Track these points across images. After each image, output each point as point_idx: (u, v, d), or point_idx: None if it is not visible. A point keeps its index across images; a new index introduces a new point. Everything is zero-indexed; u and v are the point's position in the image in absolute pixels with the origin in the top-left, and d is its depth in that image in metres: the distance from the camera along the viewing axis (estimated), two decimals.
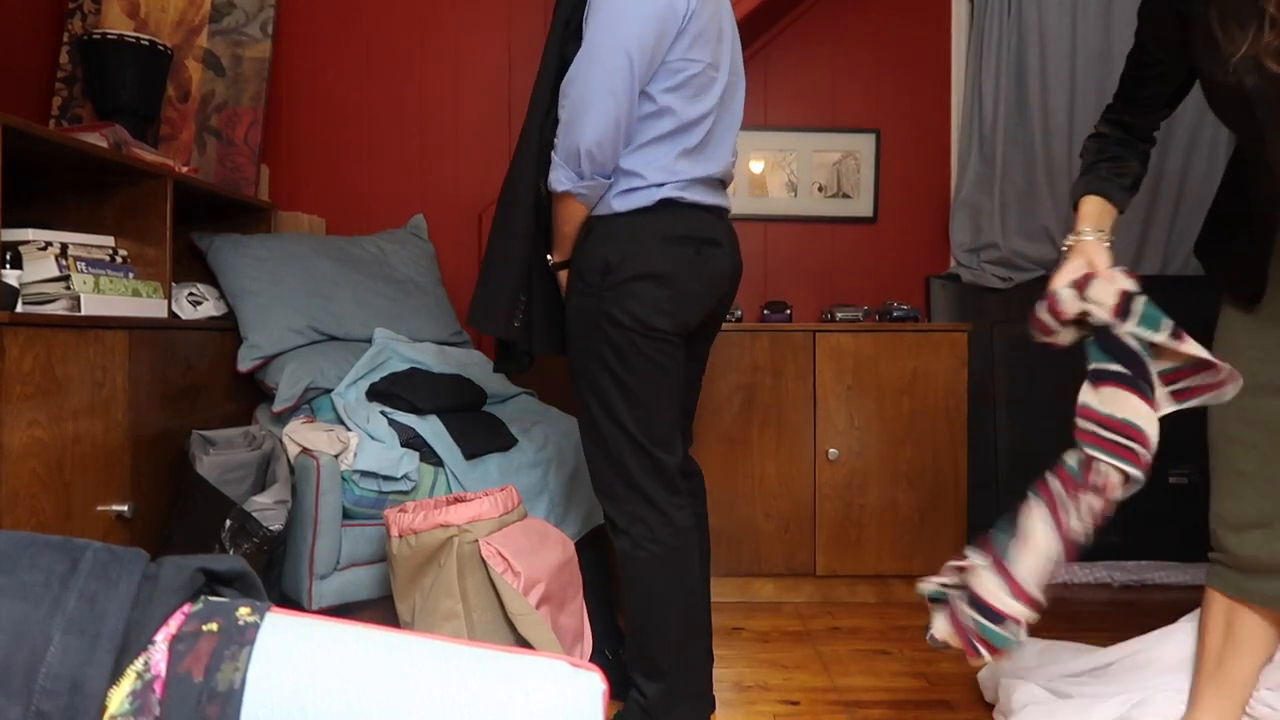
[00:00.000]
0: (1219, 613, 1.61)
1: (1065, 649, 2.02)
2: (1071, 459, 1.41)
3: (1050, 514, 1.39)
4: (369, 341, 2.44)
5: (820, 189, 3.41)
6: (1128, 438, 1.35)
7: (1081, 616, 2.77)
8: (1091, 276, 1.44)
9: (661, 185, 1.73)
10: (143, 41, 2.37)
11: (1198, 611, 1.74)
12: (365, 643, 0.66)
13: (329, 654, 0.65)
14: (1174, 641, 1.80)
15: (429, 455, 2.16)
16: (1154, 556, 3.18)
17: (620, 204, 1.73)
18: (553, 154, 1.72)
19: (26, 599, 0.61)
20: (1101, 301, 1.41)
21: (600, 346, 1.72)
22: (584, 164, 1.67)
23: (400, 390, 2.25)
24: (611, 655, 2.22)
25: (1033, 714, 1.83)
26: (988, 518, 3.34)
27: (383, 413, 2.20)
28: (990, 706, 2.07)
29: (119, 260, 1.93)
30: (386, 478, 2.07)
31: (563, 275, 1.83)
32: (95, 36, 2.35)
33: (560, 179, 1.70)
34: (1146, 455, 1.36)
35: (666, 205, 1.74)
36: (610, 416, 1.73)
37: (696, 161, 1.77)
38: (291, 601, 2.00)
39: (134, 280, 1.93)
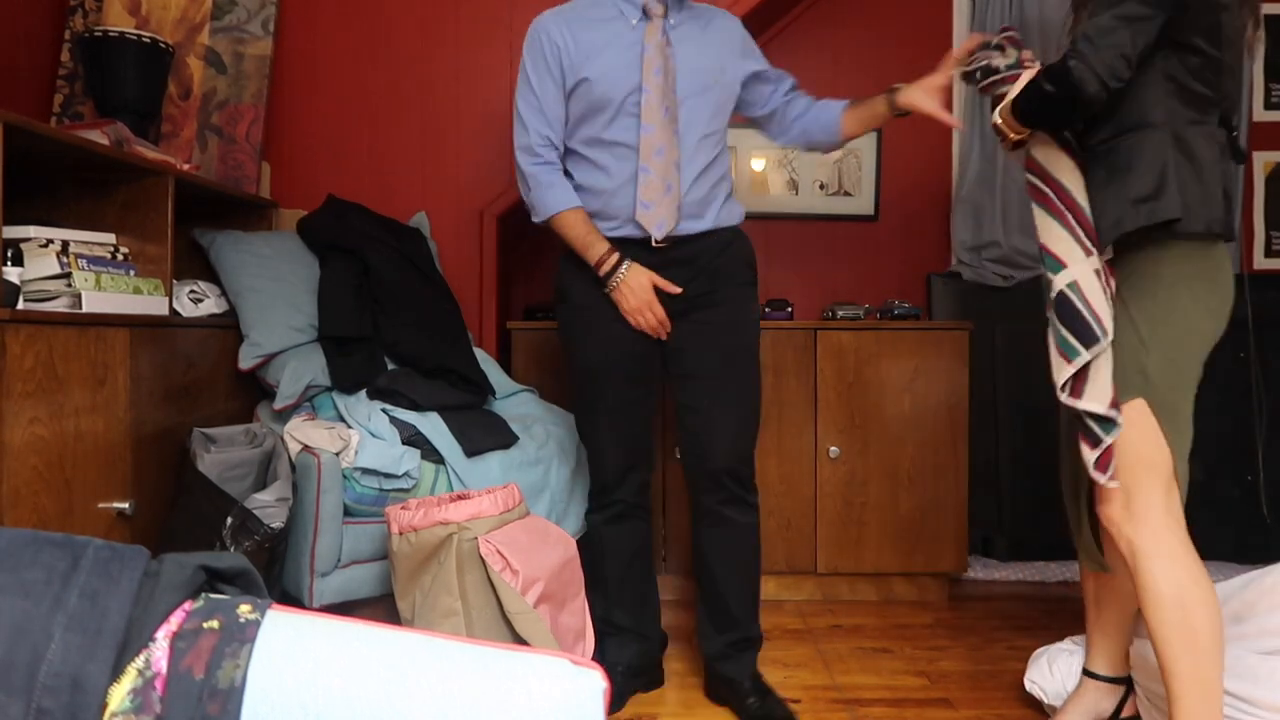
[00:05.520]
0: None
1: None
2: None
3: None
4: None
5: (821, 187, 3.41)
6: None
7: (1083, 614, 2.76)
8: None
9: None
10: (144, 39, 2.37)
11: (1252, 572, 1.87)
12: (366, 640, 0.66)
13: (330, 651, 0.65)
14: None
15: (430, 453, 2.16)
16: None
17: None
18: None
19: (28, 596, 0.61)
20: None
21: None
22: None
23: (401, 387, 2.25)
24: None
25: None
26: (989, 516, 3.35)
27: (384, 410, 2.20)
28: (990, 706, 2.08)
29: (120, 257, 1.93)
30: (387, 475, 2.07)
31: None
32: (97, 34, 2.35)
33: None
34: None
35: None
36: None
37: None
38: (292, 599, 2.00)
39: (135, 278, 1.93)
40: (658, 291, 1.98)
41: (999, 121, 1.67)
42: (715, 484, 2.05)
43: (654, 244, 1.98)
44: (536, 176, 2.00)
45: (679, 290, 1.98)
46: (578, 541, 2.28)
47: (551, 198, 1.99)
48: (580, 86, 1.96)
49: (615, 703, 2.07)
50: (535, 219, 2.04)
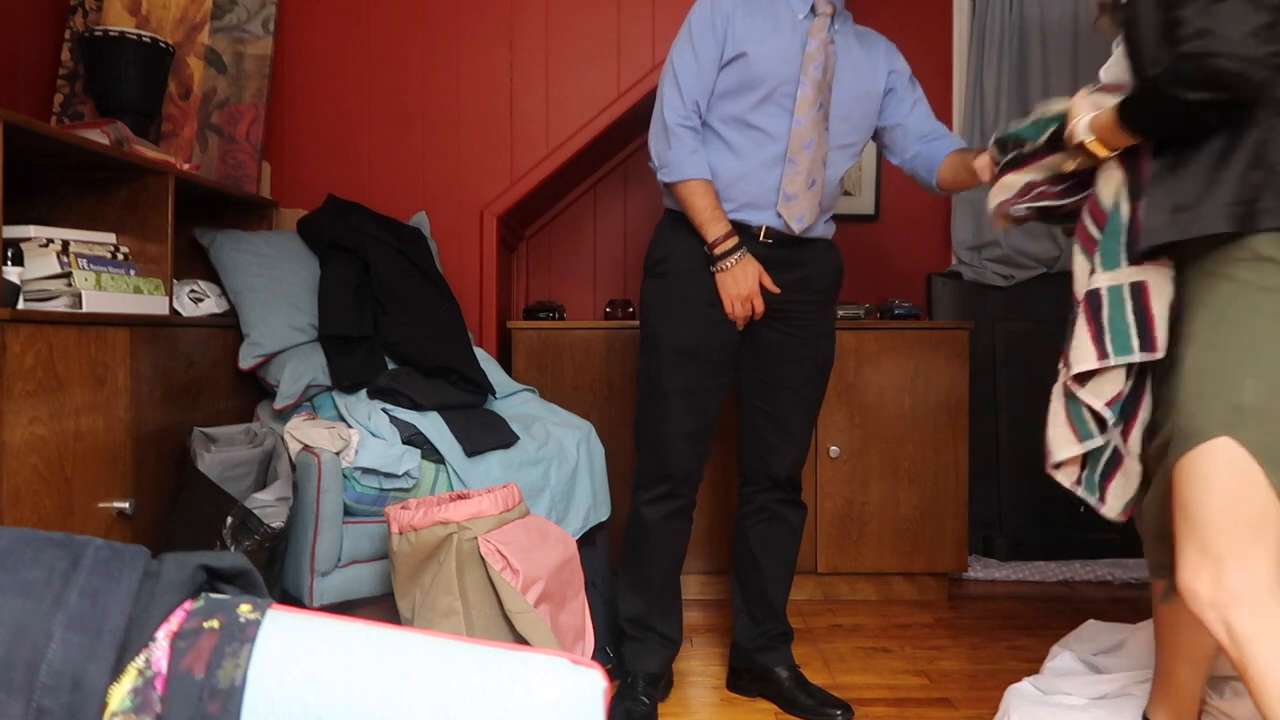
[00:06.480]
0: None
1: (1102, 628, 2.08)
2: None
3: None
4: None
5: None
6: None
7: (1083, 614, 2.77)
8: None
9: None
10: (144, 38, 2.37)
11: None
12: (366, 640, 0.66)
13: (330, 651, 0.65)
14: None
15: (430, 452, 2.16)
16: None
17: None
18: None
19: (28, 596, 0.61)
20: None
21: None
22: None
23: (402, 387, 2.25)
24: (613, 653, 2.22)
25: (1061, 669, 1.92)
26: (989, 516, 3.34)
27: (384, 409, 2.20)
28: (990, 705, 2.08)
29: (120, 257, 1.93)
30: (388, 475, 2.07)
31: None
32: (97, 33, 2.35)
33: None
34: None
35: None
36: None
37: None
38: (293, 598, 2.00)
39: (135, 277, 1.92)
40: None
41: (1089, 140, 1.47)
42: (776, 485, 2.17)
43: (761, 239, 2.01)
44: (681, 137, 1.98)
45: (779, 291, 2.00)
46: (586, 537, 2.29)
47: (690, 162, 1.98)
48: (738, 60, 1.96)
49: None
50: (663, 177, 2.02)
